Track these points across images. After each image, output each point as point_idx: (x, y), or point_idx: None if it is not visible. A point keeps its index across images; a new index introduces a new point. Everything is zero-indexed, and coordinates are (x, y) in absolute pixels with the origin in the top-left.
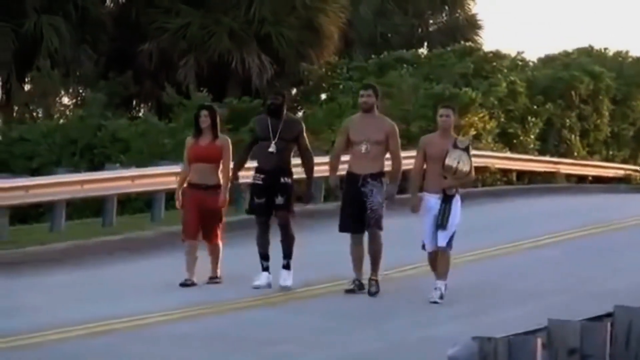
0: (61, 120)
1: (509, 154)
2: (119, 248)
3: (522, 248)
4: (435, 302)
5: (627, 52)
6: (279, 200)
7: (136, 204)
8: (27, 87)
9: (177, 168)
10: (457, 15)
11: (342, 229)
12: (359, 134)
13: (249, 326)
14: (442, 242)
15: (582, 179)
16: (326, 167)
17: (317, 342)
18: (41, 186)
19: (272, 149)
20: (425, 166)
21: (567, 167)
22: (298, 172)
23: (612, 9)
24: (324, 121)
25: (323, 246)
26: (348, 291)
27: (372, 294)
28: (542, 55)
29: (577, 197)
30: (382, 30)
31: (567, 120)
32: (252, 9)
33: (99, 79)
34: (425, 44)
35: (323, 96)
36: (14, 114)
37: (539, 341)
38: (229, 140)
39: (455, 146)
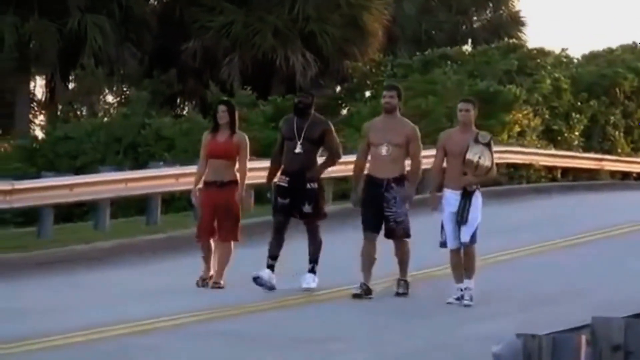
0: (105, 119)
1: (553, 151)
2: (163, 247)
3: (561, 246)
4: (467, 305)
5: None
6: (307, 208)
7: (180, 203)
8: (71, 86)
9: None
10: (501, 12)
11: (366, 228)
12: (380, 137)
13: (287, 324)
14: (465, 237)
15: (626, 175)
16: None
17: (360, 340)
18: (85, 184)
19: (298, 149)
20: (445, 163)
21: (611, 163)
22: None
23: None
24: (369, 119)
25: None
26: (355, 296)
27: (400, 294)
28: (586, 52)
29: (621, 194)
30: (426, 27)
31: (611, 117)
32: (296, 7)
33: (142, 77)
34: (470, 40)
35: (367, 93)
36: (58, 113)
37: (583, 338)
38: (247, 137)
39: (476, 141)
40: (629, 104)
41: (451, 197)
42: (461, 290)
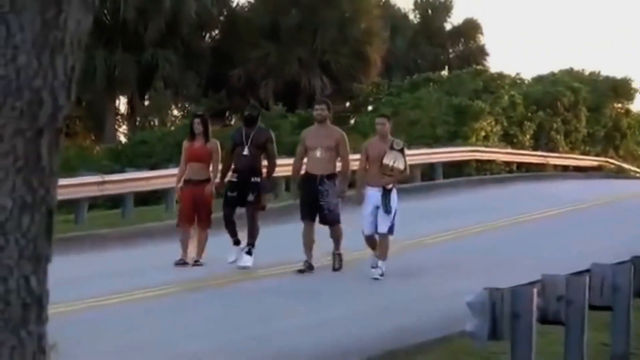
0: (172, 127)
1: (510, 150)
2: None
3: (519, 221)
4: (376, 279)
5: (599, 72)
6: (250, 197)
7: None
8: (146, 103)
9: None
10: (470, 45)
11: (302, 217)
12: (315, 142)
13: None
14: (383, 229)
15: (565, 168)
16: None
17: (349, 297)
18: (157, 177)
19: (246, 152)
20: (367, 166)
21: (554, 159)
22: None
23: (588, 38)
24: (370, 127)
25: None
26: (300, 271)
27: (336, 269)
28: (535, 75)
29: (562, 182)
30: (413, 57)
31: (554, 124)
32: (316, 42)
33: (200, 97)
34: (447, 67)
35: (369, 108)
36: (137, 123)
37: (535, 290)
38: (218, 143)
39: (391, 148)
40: (567, 114)
41: (372, 194)
42: (377, 264)
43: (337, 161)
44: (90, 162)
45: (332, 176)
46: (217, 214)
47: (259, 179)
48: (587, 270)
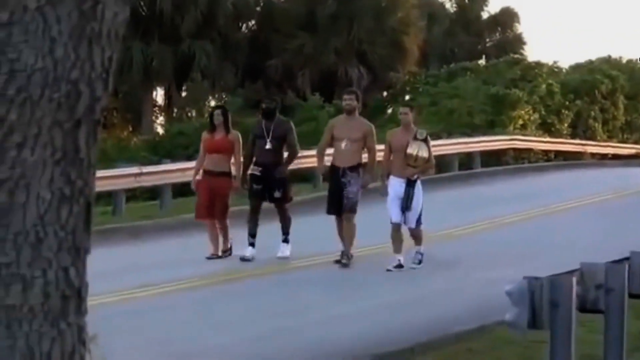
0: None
1: (548, 139)
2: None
3: (556, 210)
4: (413, 268)
5: (637, 60)
6: (277, 194)
7: None
8: (183, 94)
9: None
10: (507, 34)
11: (328, 211)
12: (342, 133)
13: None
14: (411, 224)
15: (603, 156)
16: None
17: (388, 287)
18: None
19: (268, 146)
20: (391, 157)
21: (592, 147)
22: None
23: (626, 26)
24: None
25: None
26: (337, 262)
27: (343, 265)
28: (572, 63)
29: (600, 170)
30: (450, 46)
31: (592, 112)
32: (352, 33)
33: (237, 87)
34: (484, 56)
35: (406, 97)
36: (174, 115)
37: (574, 279)
38: (239, 135)
39: (415, 138)
40: (605, 102)
41: (396, 183)
42: (399, 260)
43: (364, 152)
44: (128, 153)
45: (355, 167)
46: (237, 208)
47: (284, 174)
48: (627, 258)
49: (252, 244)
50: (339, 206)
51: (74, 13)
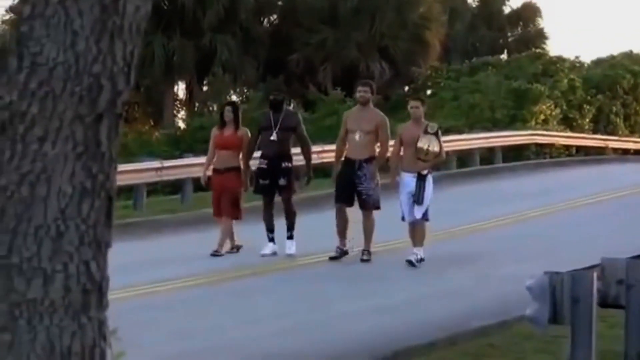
0: None
1: (569, 134)
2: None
3: (578, 205)
4: (412, 265)
5: None
6: (282, 181)
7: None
8: (204, 89)
9: (315, 148)
10: (529, 29)
11: (337, 200)
12: (354, 125)
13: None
14: (418, 214)
15: (625, 151)
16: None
17: (408, 282)
18: None
19: (273, 137)
20: (402, 151)
21: (614, 142)
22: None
23: None
24: (429, 112)
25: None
26: (332, 258)
27: (364, 261)
28: (594, 58)
29: (622, 165)
30: (472, 41)
31: (614, 108)
32: (374, 27)
33: (258, 82)
34: (505, 51)
35: (428, 92)
36: (195, 109)
37: (595, 274)
38: (248, 132)
39: (425, 132)
40: (627, 98)
41: (407, 179)
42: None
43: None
44: (149, 147)
45: (370, 160)
46: (249, 204)
47: (290, 164)
48: None
49: (271, 239)
50: (349, 198)
51: (96, 7)
